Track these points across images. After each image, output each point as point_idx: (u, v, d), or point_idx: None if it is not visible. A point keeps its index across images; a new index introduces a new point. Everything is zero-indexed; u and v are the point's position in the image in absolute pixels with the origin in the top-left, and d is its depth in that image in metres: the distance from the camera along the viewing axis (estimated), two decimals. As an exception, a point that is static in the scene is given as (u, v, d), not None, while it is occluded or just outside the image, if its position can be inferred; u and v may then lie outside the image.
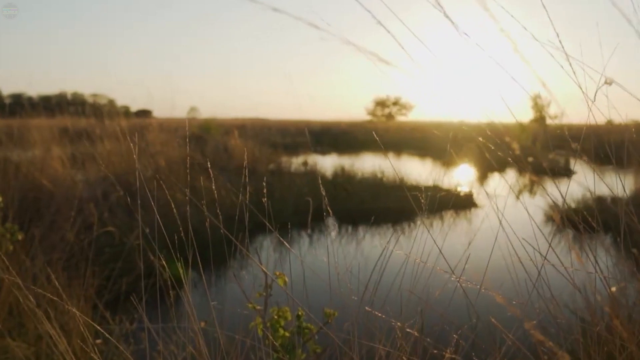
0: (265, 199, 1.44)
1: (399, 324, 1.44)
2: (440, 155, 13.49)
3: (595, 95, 1.34)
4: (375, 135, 1.52)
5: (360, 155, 17.56)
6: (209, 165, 1.35)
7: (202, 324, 1.78)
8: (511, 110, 1.50)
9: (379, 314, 1.51)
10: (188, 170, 1.44)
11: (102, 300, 3.30)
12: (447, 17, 0.95)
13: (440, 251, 1.42)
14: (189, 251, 1.47)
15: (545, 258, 1.26)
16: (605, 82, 1.26)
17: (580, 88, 1.21)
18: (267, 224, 1.42)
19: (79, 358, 2.48)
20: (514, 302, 1.18)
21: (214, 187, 1.39)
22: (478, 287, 1.44)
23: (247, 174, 1.52)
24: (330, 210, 1.52)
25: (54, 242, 3.95)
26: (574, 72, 1.21)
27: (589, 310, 1.63)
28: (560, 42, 1.14)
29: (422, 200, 1.55)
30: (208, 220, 1.45)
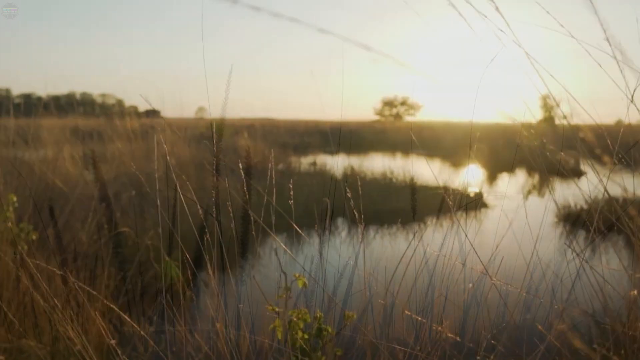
0: (292, 201, 1.42)
1: (440, 327, 1.41)
2: (451, 156, 13.42)
3: (633, 93, 1.30)
4: (412, 136, 1.49)
5: (369, 155, 17.51)
6: (242, 169, 1.32)
7: (219, 325, 1.76)
8: (526, 110, 1.47)
9: (409, 316, 1.48)
10: (215, 172, 1.41)
11: (118, 301, 3.29)
12: (498, 11, 0.92)
13: (474, 250, 1.39)
14: (215, 249, 1.45)
15: (584, 259, 1.22)
16: (647, 80, 1.22)
17: (630, 89, 1.18)
18: (295, 226, 1.39)
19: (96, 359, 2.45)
20: (556, 306, 1.14)
21: (245, 188, 1.37)
22: (501, 286, 1.40)
23: (273, 175, 1.49)
24: (357, 213, 1.50)
25: (68, 243, 3.95)
26: (621, 71, 1.18)
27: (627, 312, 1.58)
28: (608, 40, 1.11)
29: (451, 202, 1.52)
30: (233, 221, 1.42)
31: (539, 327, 1.31)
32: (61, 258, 3.57)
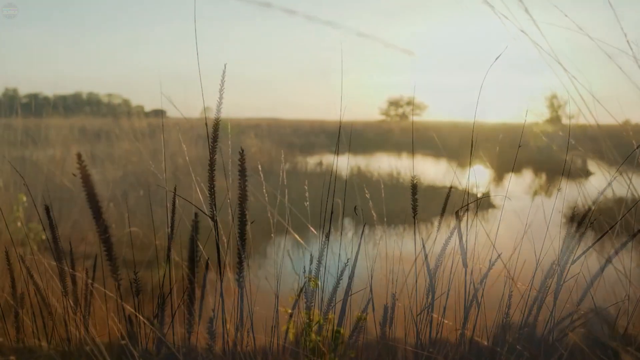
0: (307, 202, 1.41)
1: (459, 329, 1.40)
2: (458, 156, 13.36)
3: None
4: (436, 138, 1.48)
5: (375, 155, 17.49)
6: (258, 168, 1.32)
7: (228, 326, 1.75)
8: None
9: (420, 317, 1.47)
10: (228, 173, 1.41)
11: (127, 301, 3.29)
12: (527, 12, 0.91)
13: (495, 251, 1.38)
14: (229, 251, 1.44)
15: (609, 261, 1.21)
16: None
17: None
18: (310, 227, 1.39)
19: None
20: (579, 310, 1.12)
21: (264, 190, 1.37)
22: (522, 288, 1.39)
23: (284, 175, 1.49)
24: (371, 214, 1.49)
25: (77, 243, 3.96)
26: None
27: None
28: (627, 42, 1.09)
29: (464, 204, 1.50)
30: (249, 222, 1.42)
31: (569, 333, 1.29)
32: (70, 258, 3.58)
